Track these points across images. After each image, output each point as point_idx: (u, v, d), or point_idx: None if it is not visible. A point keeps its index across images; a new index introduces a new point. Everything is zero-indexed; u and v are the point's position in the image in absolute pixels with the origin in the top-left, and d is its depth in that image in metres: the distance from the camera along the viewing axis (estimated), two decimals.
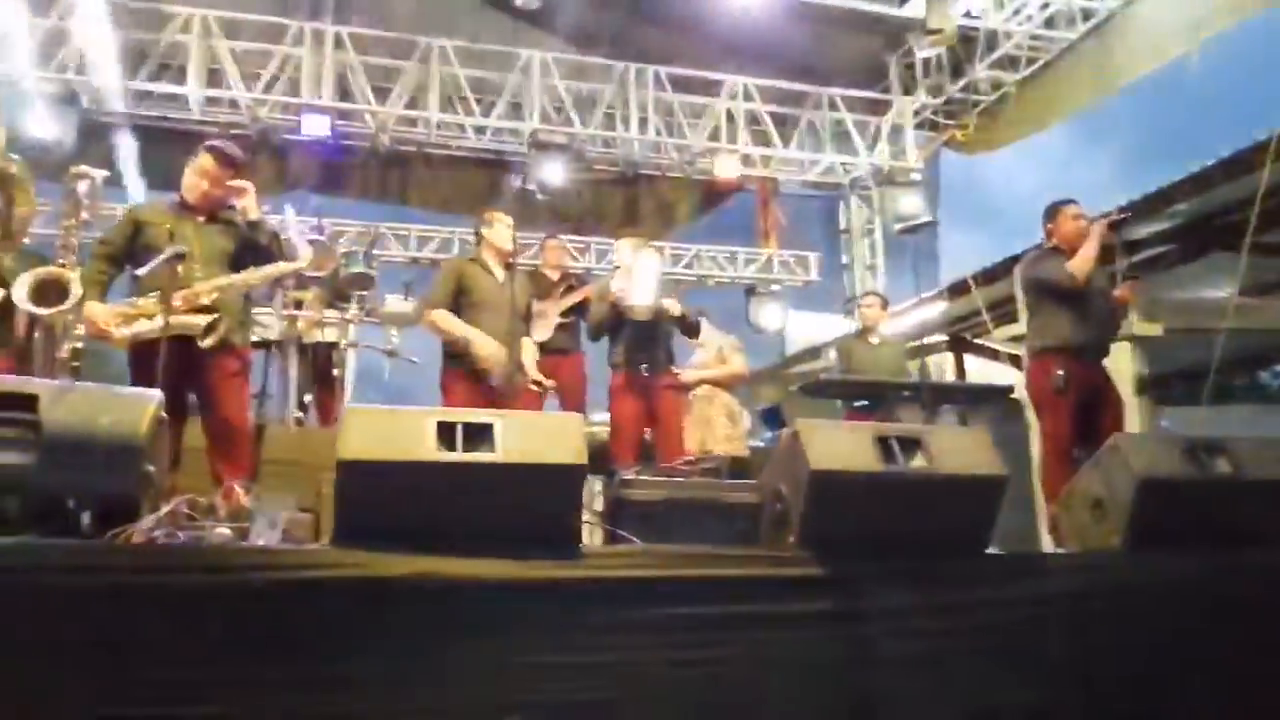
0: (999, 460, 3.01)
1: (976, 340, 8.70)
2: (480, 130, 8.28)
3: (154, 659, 2.31)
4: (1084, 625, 2.87)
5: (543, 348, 6.79)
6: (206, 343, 3.65)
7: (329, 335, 6.32)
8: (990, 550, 3.09)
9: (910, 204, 8.46)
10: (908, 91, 9.05)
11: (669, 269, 10.16)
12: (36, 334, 3.34)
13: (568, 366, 6.13)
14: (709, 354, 5.73)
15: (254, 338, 6.15)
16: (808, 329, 11.05)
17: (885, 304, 6.94)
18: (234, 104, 7.74)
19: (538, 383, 5.17)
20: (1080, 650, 2.87)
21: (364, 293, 6.40)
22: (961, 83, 8.84)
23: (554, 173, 7.99)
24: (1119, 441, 3.27)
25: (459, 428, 2.71)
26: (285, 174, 8.24)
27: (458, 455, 2.67)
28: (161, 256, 3.27)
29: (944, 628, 2.84)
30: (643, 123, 8.43)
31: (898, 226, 8.56)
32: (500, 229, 4.98)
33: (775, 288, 10.25)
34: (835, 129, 9.08)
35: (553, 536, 2.73)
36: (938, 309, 9.74)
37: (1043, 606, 2.91)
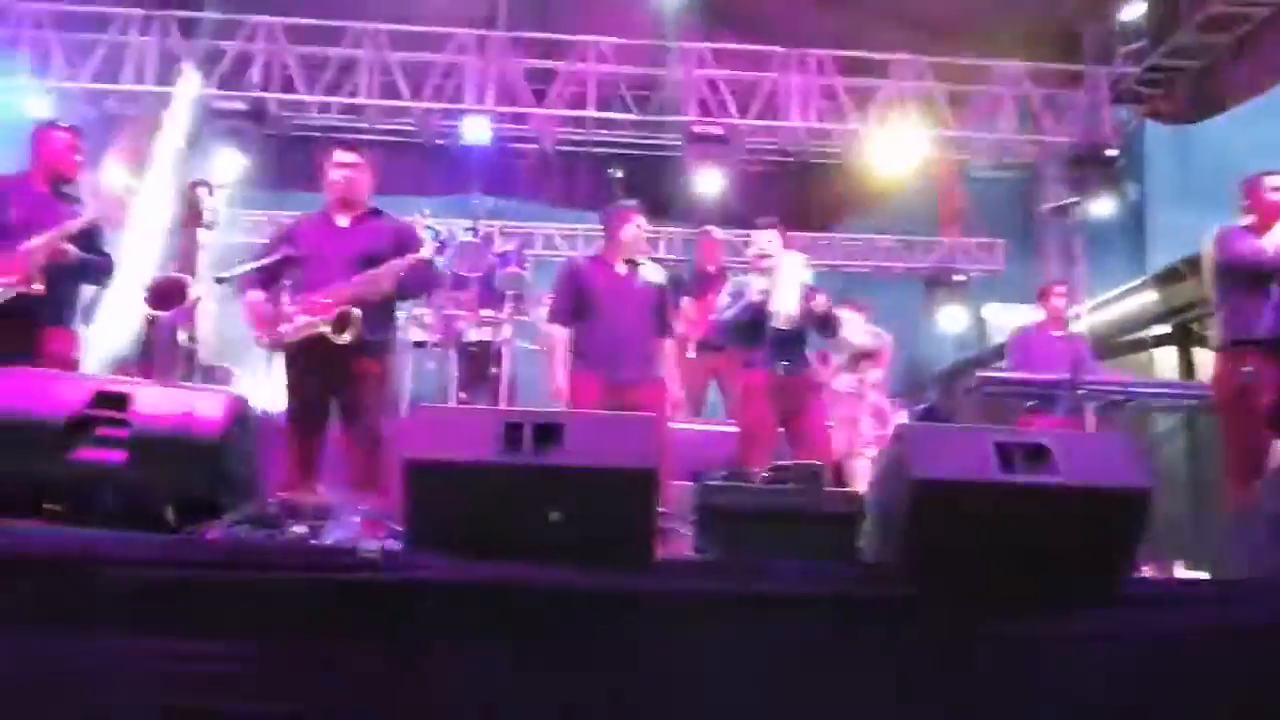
0: (1143, 471, 2.60)
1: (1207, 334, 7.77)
2: (638, 127, 8.22)
3: (219, 654, 2.34)
4: (1229, 668, 2.43)
5: (701, 345, 6.68)
6: (343, 339, 3.69)
7: (484, 335, 6.44)
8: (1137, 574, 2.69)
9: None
10: (1103, 60, 8.24)
11: (840, 261, 9.80)
12: (157, 335, 3.55)
13: (730, 362, 5.90)
14: (855, 344, 5.35)
15: (413, 339, 6.41)
16: (1010, 322, 10.30)
17: (1077, 294, 6.30)
18: (404, 112, 8.04)
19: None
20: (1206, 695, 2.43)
21: (517, 292, 6.47)
22: (1166, 47, 7.95)
23: (712, 166, 7.82)
24: None
25: (526, 428, 2.61)
26: (455, 177, 8.50)
27: (524, 457, 2.58)
28: (273, 257, 3.37)
29: (1070, 661, 2.48)
30: (805, 109, 8.10)
31: (1045, 207, 7.82)
32: (628, 227, 4.84)
33: (959, 278, 9.64)
34: (1022, 105, 8.40)
35: (624, 545, 2.59)
36: (1146, 298, 8.85)
37: (1194, 641, 2.48)
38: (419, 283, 4.14)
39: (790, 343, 4.74)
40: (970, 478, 2.55)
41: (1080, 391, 4.76)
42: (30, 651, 2.21)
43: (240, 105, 7.43)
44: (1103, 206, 8.20)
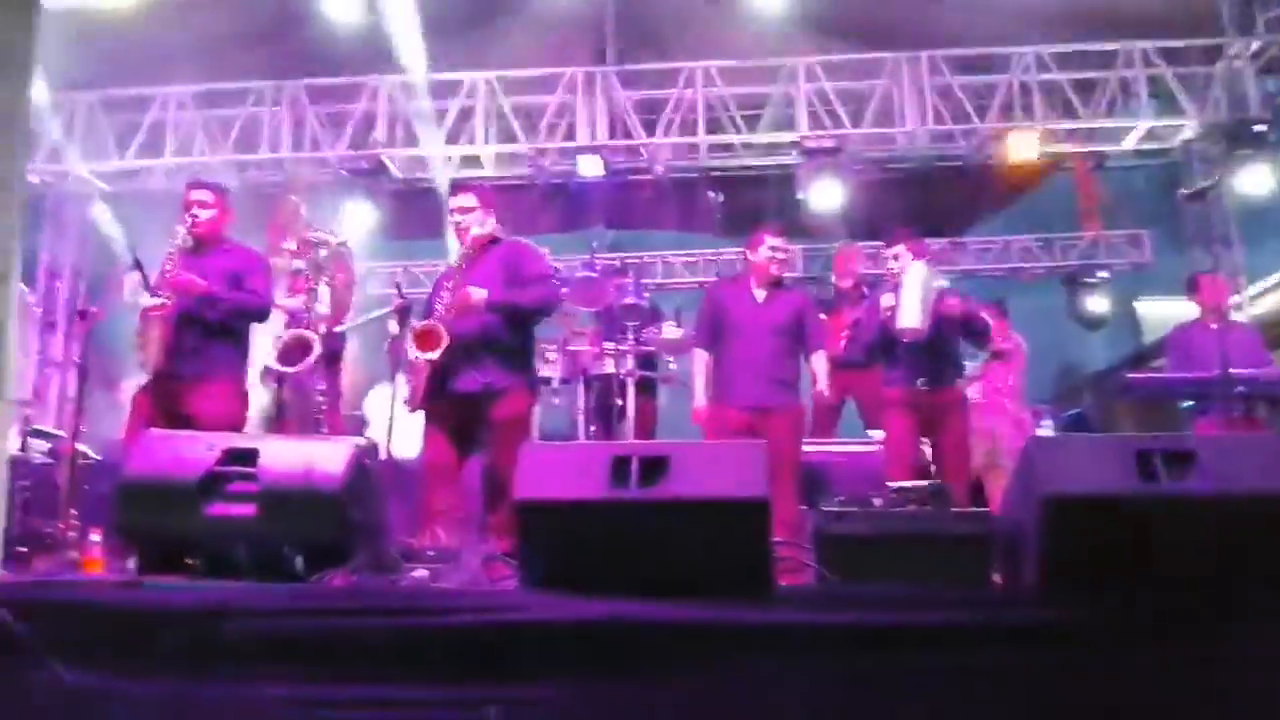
0: None
1: None
2: (748, 147, 8.15)
3: (347, 698, 2.39)
4: None
5: (835, 362, 6.55)
6: (426, 356, 3.70)
7: (608, 367, 6.48)
8: None
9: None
10: (1245, 32, 7.68)
11: (974, 266, 9.43)
12: (289, 391, 3.72)
13: (866, 380, 5.76)
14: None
15: (540, 375, 6.51)
16: (1168, 316, 9.67)
17: (1232, 282, 5.86)
18: (519, 157, 8.23)
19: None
20: None
21: (637, 323, 6.50)
22: None
23: (827, 180, 7.69)
24: None
25: (633, 462, 2.59)
26: (573, 214, 8.64)
27: (631, 492, 2.55)
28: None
29: (1233, 689, 2.26)
30: (923, 113, 7.86)
31: (1182, 193, 7.27)
32: (761, 250, 4.80)
33: (1102, 274, 9.12)
34: (1157, 86, 7.92)
35: (740, 576, 2.52)
36: None
37: None
38: (531, 299, 4.07)
39: (927, 356, 4.58)
40: (1106, 490, 2.38)
41: (1239, 389, 4.40)
42: (171, 699, 2.31)
43: (364, 164, 7.79)
44: (1258, 185, 7.62)
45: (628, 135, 8.13)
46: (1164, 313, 9.27)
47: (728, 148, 8.23)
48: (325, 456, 2.76)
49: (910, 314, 4.46)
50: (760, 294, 4.74)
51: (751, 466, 2.61)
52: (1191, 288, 5.96)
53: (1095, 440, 3.06)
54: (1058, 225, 9.93)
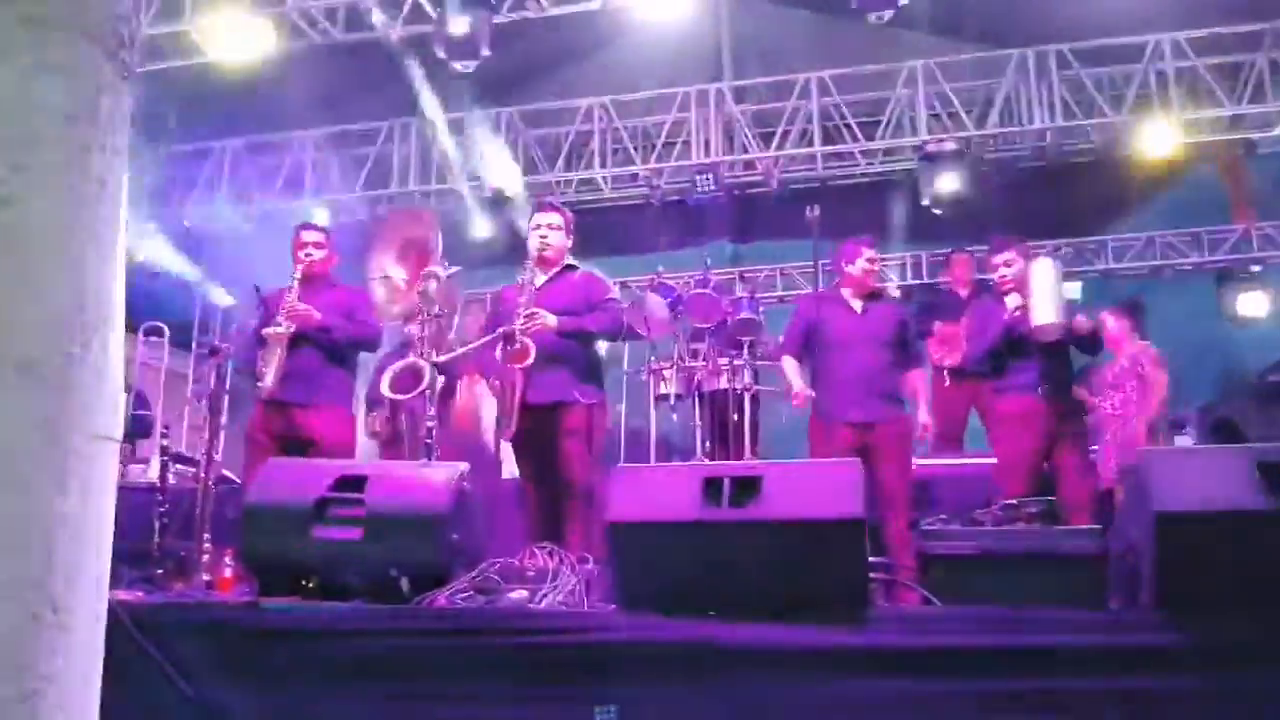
0: None
1: None
2: (868, 155, 8.00)
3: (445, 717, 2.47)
4: None
5: (956, 372, 6.35)
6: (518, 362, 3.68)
7: (724, 383, 6.46)
8: None
9: None
10: None
11: (1114, 265, 8.95)
12: (403, 418, 3.86)
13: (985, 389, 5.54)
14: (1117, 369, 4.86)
15: (658, 393, 6.55)
16: None
17: None
18: (635, 177, 8.32)
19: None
20: None
21: (752, 338, 6.46)
22: None
23: (951, 184, 7.44)
24: None
25: (726, 482, 2.59)
26: (690, 230, 8.67)
27: (723, 512, 2.55)
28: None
29: None
30: (1050, 109, 7.53)
31: None
32: (858, 261, 4.68)
33: (1255, 269, 8.50)
34: None
35: (835, 598, 2.48)
36: None
37: None
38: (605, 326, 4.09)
39: (1053, 361, 4.39)
40: (1222, 507, 2.23)
41: None
42: (282, 712, 2.43)
43: (487, 193, 8.03)
44: None
45: (741, 150, 8.12)
46: None
47: (845, 156, 8.10)
48: (430, 482, 2.86)
49: (1044, 310, 4.26)
50: (858, 305, 4.63)
51: (847, 485, 2.57)
52: None
53: (1213, 452, 2.86)
54: (1206, 219, 9.33)
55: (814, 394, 4.52)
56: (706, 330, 6.64)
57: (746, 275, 8.66)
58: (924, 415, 4.54)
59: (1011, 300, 4.47)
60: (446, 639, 2.52)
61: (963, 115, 7.72)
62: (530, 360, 3.64)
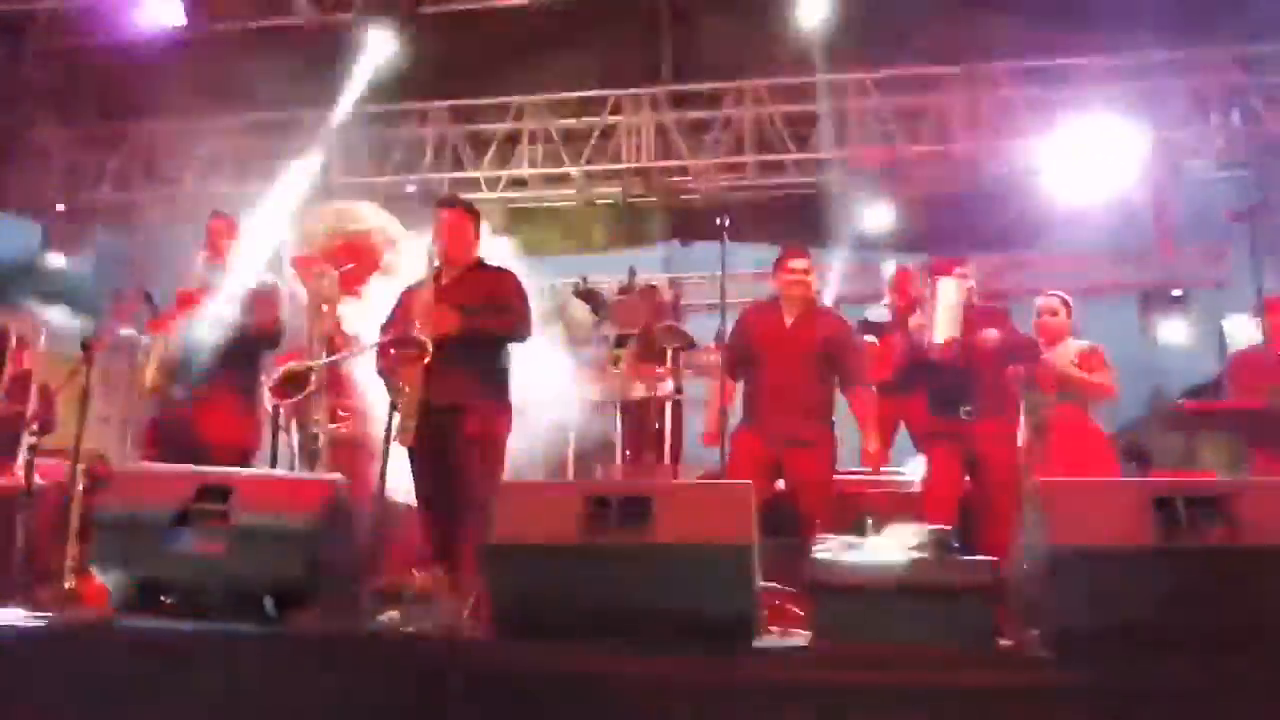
0: None
1: None
2: (798, 165, 7.94)
3: None
4: None
5: (883, 388, 6.29)
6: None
7: (645, 391, 6.35)
8: None
9: None
10: None
11: (1039, 284, 9.03)
12: (289, 423, 3.65)
13: (914, 407, 5.46)
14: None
15: (577, 398, 6.41)
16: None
17: None
18: (566, 178, 8.18)
19: None
20: None
21: (677, 345, 6.36)
22: None
23: (876, 201, 7.46)
24: None
25: (613, 504, 2.45)
26: (627, 234, 8.59)
27: (608, 536, 2.41)
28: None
29: None
30: (981, 128, 7.56)
31: (1227, 213, 6.77)
32: (780, 273, 4.55)
33: (1176, 293, 8.64)
34: (1231, 92, 7.49)
35: (721, 628, 2.36)
36: None
37: None
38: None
39: (969, 380, 4.29)
40: (1119, 542, 2.15)
41: None
42: None
43: (412, 188, 7.82)
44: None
45: (674, 155, 8.04)
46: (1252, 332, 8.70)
47: (777, 167, 8.04)
48: (299, 494, 2.68)
49: (940, 329, 4.19)
50: (789, 318, 4.49)
51: (738, 508, 2.45)
52: (1265, 309, 5.52)
53: (1111, 483, 2.80)
54: (1134, 242, 9.47)
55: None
56: (630, 337, 6.54)
57: (675, 281, 8.57)
58: (871, 442, 4.34)
59: (914, 319, 4.41)
60: (308, 661, 2.35)
61: (895, 131, 7.70)
62: (427, 359, 3.43)
